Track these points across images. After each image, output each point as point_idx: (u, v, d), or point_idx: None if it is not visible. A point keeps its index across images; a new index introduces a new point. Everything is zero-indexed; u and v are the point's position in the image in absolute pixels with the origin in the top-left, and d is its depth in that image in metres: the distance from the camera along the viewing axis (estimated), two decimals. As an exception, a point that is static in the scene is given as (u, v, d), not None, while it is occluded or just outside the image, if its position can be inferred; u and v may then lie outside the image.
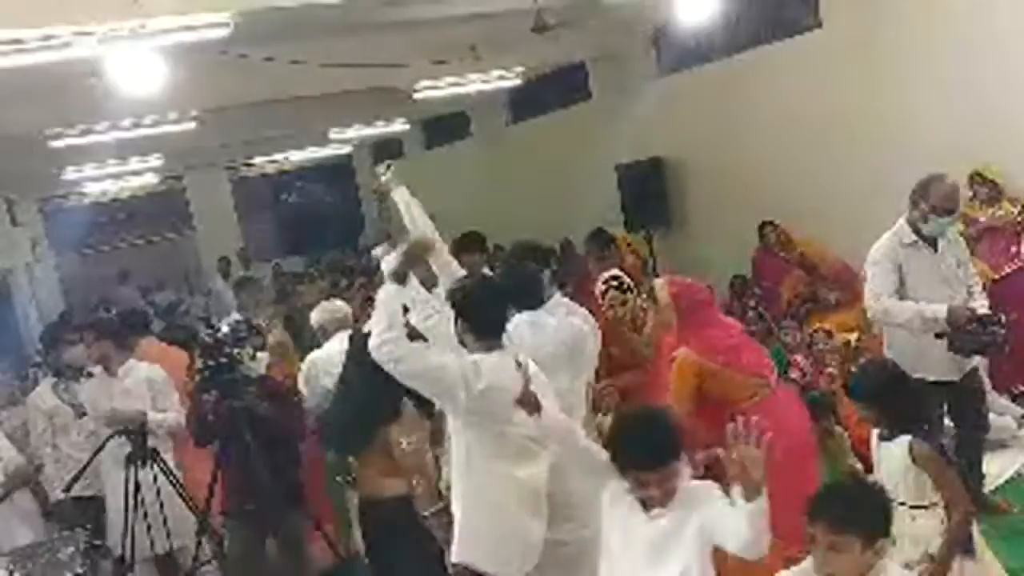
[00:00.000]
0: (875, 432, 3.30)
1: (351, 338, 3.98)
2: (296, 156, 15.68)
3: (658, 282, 4.05)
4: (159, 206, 15.69)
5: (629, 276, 4.90)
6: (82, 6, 4.46)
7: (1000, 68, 6.22)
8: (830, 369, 5.57)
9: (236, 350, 4.21)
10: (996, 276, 5.75)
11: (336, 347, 4.67)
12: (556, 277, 5.88)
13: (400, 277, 3.24)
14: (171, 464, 4.68)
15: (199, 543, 4.31)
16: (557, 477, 3.25)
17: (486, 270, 4.65)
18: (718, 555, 2.60)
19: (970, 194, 6.05)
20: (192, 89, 6.96)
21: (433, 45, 7.73)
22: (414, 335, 3.38)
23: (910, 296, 4.27)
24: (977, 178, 6.08)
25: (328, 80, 7.67)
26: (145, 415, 4.65)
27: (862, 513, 2.45)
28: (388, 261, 3.79)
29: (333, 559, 4.43)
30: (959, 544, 3.05)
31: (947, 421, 4.52)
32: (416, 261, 3.35)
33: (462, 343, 3.30)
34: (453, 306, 3.30)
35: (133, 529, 4.49)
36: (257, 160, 15.78)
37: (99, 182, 12.35)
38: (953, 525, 3.05)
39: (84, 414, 4.98)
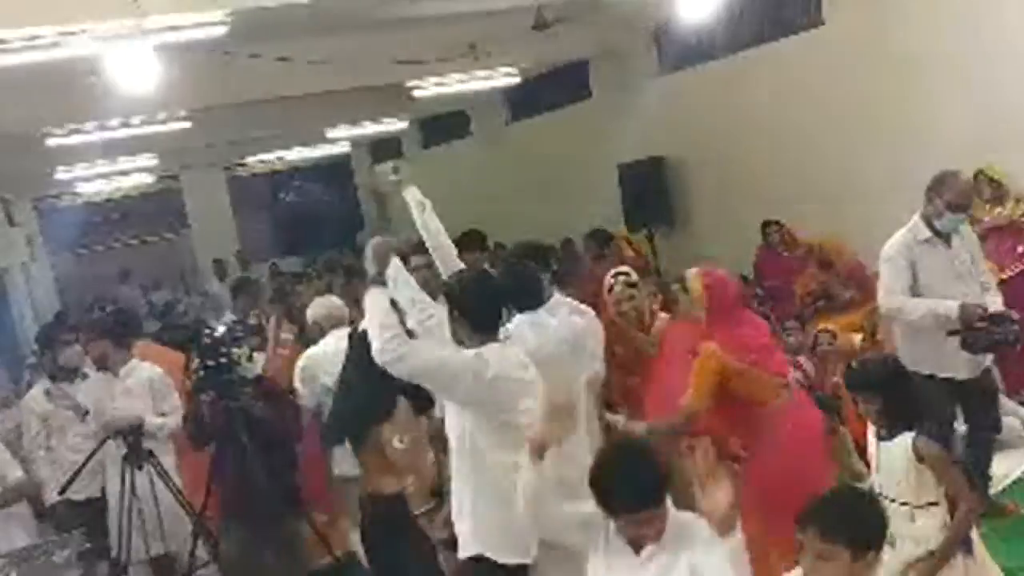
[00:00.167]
0: (871, 432, 3.26)
1: (351, 336, 3.94)
2: (293, 155, 15.64)
3: (691, 272, 3.97)
4: (155, 205, 15.63)
5: None
6: (80, 5, 4.44)
7: (1005, 65, 6.20)
8: (835, 379, 5.53)
9: (233, 351, 4.16)
10: (1003, 276, 5.72)
11: (333, 344, 4.62)
12: (557, 277, 5.86)
13: (378, 281, 3.24)
14: (169, 466, 4.63)
15: (195, 545, 4.28)
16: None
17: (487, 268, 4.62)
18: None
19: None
20: (189, 88, 6.93)
21: (432, 43, 7.70)
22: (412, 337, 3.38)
23: (924, 292, 4.26)
24: (982, 177, 6.05)
25: (326, 78, 7.64)
26: (142, 420, 4.61)
27: (853, 524, 2.40)
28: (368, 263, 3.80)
29: (329, 560, 4.39)
30: (962, 538, 3.03)
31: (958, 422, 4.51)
32: (384, 260, 3.30)
33: (456, 339, 3.27)
34: (449, 300, 3.27)
35: (129, 531, 4.45)
36: (254, 159, 15.73)
37: (95, 181, 12.31)
38: (958, 519, 3.02)
39: (87, 413, 4.94)
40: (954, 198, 4.23)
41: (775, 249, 7.79)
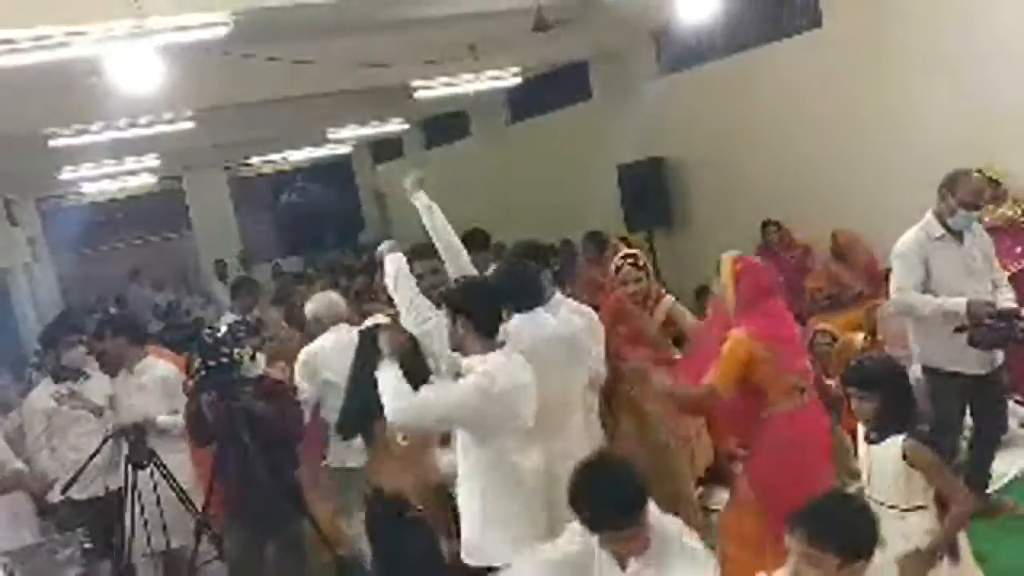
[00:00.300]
0: (861, 435, 3.25)
1: (362, 334, 3.95)
2: (295, 156, 15.68)
3: (725, 256, 3.96)
4: (158, 206, 15.67)
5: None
6: (81, 5, 4.45)
7: (1003, 66, 6.21)
8: (832, 383, 5.55)
9: (235, 350, 4.18)
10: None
11: (332, 339, 4.67)
12: (557, 276, 5.88)
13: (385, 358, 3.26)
14: (182, 462, 4.70)
15: (197, 543, 4.30)
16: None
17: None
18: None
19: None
20: (191, 89, 6.95)
21: (433, 44, 7.72)
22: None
23: (937, 289, 4.30)
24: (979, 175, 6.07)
25: (327, 79, 7.66)
26: (143, 419, 4.65)
27: (842, 531, 2.41)
28: (391, 260, 3.81)
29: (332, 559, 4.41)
30: (953, 537, 3.03)
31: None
32: (395, 349, 3.31)
33: (455, 345, 3.29)
34: (450, 306, 3.28)
35: (132, 528, 4.50)
36: (256, 160, 15.77)
37: (97, 182, 12.34)
38: (951, 518, 3.02)
39: (102, 412, 4.98)
40: (967, 196, 4.28)
41: (773, 249, 7.81)
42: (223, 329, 4.25)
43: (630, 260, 4.61)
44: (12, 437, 5.05)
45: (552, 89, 11.19)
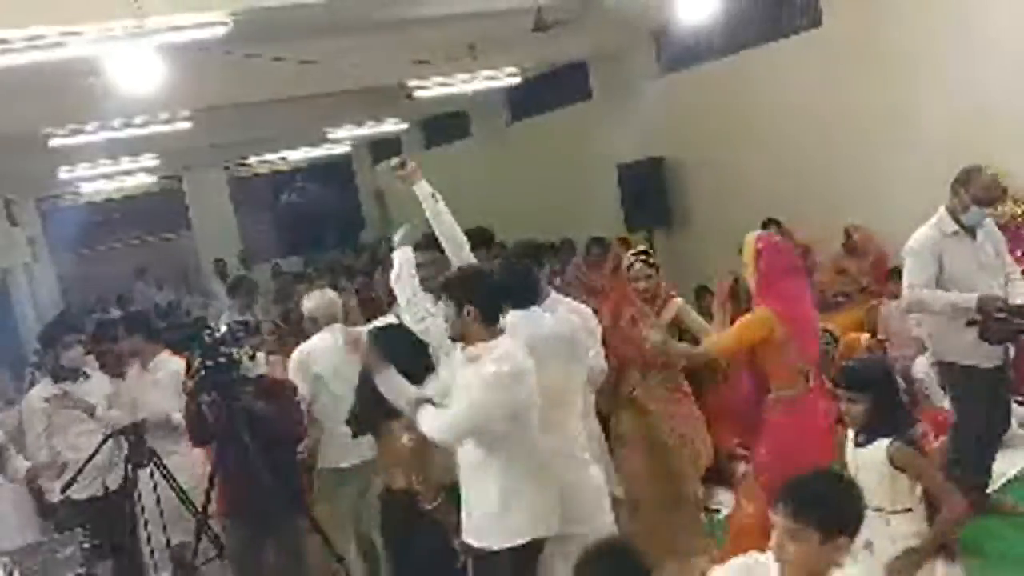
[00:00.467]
0: (849, 437, 3.25)
1: (370, 334, 3.96)
2: (295, 156, 15.69)
3: (750, 236, 3.98)
4: (157, 206, 15.67)
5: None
6: (80, 5, 4.45)
7: (1001, 66, 6.22)
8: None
9: (235, 350, 4.18)
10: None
11: (328, 339, 4.66)
12: (554, 275, 5.89)
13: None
14: (177, 463, 4.70)
15: (197, 543, 4.30)
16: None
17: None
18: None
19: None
20: (190, 88, 6.95)
21: (432, 44, 7.72)
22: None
23: (950, 285, 4.34)
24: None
25: (327, 79, 7.66)
26: (142, 419, 4.69)
27: (824, 507, 2.41)
28: (399, 255, 3.82)
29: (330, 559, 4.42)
30: (944, 538, 3.02)
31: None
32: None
33: (456, 334, 3.28)
34: (454, 294, 3.27)
35: (147, 524, 4.57)
36: (255, 160, 15.78)
37: (97, 182, 12.34)
38: (942, 519, 3.02)
39: (94, 412, 4.99)
40: (980, 192, 4.33)
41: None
42: (223, 329, 4.25)
43: (642, 257, 4.61)
44: (13, 436, 5.06)
45: (552, 89, 11.19)
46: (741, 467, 5.40)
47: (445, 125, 13.69)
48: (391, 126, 12.75)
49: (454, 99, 10.12)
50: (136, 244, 15.63)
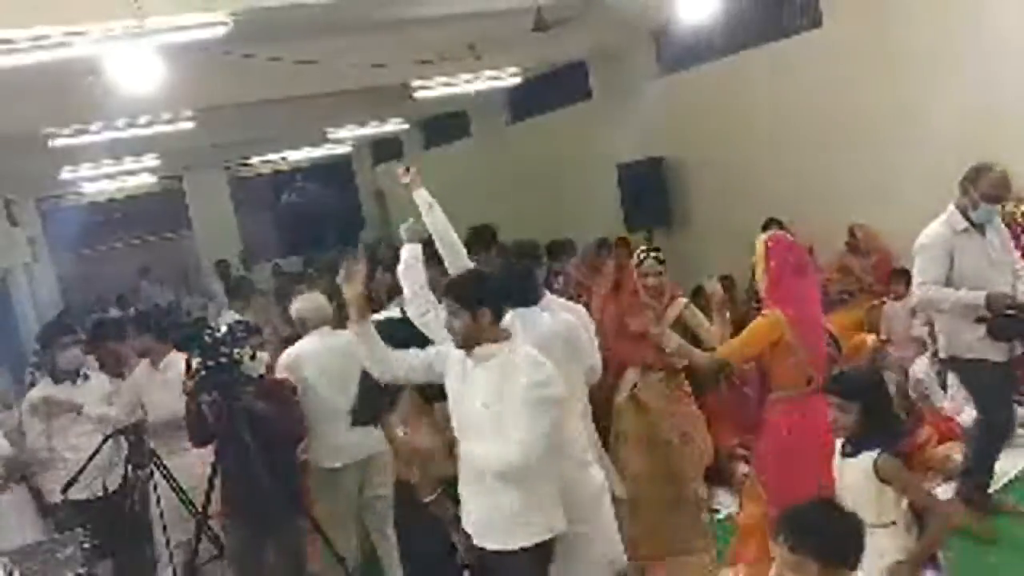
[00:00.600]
0: (837, 448, 3.24)
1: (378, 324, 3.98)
2: (295, 156, 15.70)
3: (761, 236, 4.00)
4: (158, 206, 15.68)
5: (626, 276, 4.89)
6: (80, 5, 4.45)
7: (1004, 65, 6.21)
8: None
9: (235, 350, 4.18)
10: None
11: (317, 341, 4.68)
12: (554, 275, 5.91)
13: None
14: (181, 464, 4.70)
15: (197, 543, 4.31)
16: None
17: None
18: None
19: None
20: (190, 88, 6.95)
21: (432, 44, 7.72)
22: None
23: (961, 281, 4.37)
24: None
25: (327, 79, 7.66)
26: (143, 420, 4.69)
27: (822, 538, 2.41)
28: (406, 249, 3.87)
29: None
30: (933, 550, 3.00)
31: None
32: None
33: (459, 335, 3.26)
34: (465, 298, 3.24)
35: (162, 514, 4.58)
36: (256, 160, 15.79)
37: (97, 182, 12.34)
38: (932, 530, 2.99)
39: (80, 411, 4.99)
40: (989, 189, 4.35)
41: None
42: (223, 329, 4.26)
43: (653, 253, 4.63)
44: (13, 437, 5.06)
45: (552, 89, 11.20)
46: (741, 467, 5.41)
47: (445, 125, 13.70)
48: (391, 126, 12.76)
49: (454, 99, 10.12)
50: (136, 244, 15.64)
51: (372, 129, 12.72)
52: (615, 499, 3.91)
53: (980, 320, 4.28)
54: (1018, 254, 4.66)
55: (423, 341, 3.63)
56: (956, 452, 5.11)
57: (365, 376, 3.61)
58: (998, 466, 4.78)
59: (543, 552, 3.26)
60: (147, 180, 13.69)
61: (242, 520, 4.26)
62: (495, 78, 9.06)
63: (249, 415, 4.12)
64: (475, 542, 3.31)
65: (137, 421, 4.89)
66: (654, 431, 4.47)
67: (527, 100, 11.64)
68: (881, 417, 3.14)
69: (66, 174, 10.93)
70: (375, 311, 4.31)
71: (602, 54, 9.96)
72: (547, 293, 4.15)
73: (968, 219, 4.41)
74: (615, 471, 4.26)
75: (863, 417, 3.10)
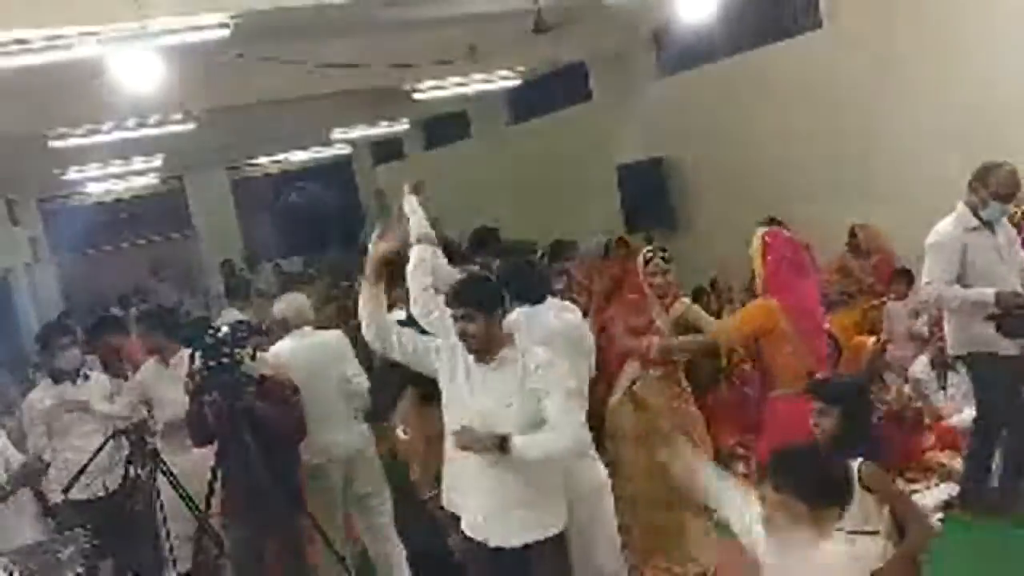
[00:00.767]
0: None
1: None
2: (296, 156, 15.70)
3: (759, 230, 4.02)
4: (159, 206, 15.69)
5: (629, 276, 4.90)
6: (83, 6, 4.46)
7: (1005, 65, 6.22)
8: None
9: (236, 350, 4.19)
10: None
11: (298, 342, 4.71)
12: (557, 275, 5.93)
13: None
14: (184, 464, 4.69)
15: (198, 543, 4.31)
16: None
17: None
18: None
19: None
20: (192, 89, 6.97)
21: (433, 45, 7.73)
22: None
23: (973, 278, 4.40)
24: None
25: (328, 80, 7.67)
26: (144, 419, 4.70)
27: (806, 479, 2.42)
28: (416, 250, 3.87)
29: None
30: (910, 562, 2.98)
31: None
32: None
33: (482, 346, 3.25)
34: (480, 302, 3.24)
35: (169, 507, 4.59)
36: (257, 160, 15.79)
37: (99, 182, 12.36)
38: (909, 540, 2.98)
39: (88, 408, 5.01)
40: (999, 188, 4.38)
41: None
42: (224, 329, 4.26)
43: (660, 254, 4.65)
44: (14, 437, 5.06)
45: (552, 90, 11.21)
46: (741, 467, 5.42)
47: (446, 126, 13.71)
48: (392, 127, 12.76)
49: (455, 100, 10.13)
50: (138, 244, 15.64)
51: (373, 130, 12.73)
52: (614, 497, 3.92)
53: (990, 318, 4.31)
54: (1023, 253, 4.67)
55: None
56: (956, 460, 5.11)
57: (379, 372, 3.63)
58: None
59: (565, 540, 3.29)
60: (148, 181, 13.70)
61: (242, 520, 4.26)
62: (496, 79, 9.07)
63: (250, 415, 4.12)
64: (485, 541, 3.26)
65: (138, 421, 4.90)
66: (652, 428, 4.48)
67: (527, 101, 11.65)
68: (860, 423, 3.14)
69: (68, 174, 10.94)
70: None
71: (602, 55, 9.97)
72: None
73: (978, 217, 4.44)
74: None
75: (842, 422, 3.10)
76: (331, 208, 16.16)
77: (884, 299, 6.79)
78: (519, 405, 3.16)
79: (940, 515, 4.74)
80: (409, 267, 3.90)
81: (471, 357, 3.26)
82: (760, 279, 3.91)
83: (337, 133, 12.72)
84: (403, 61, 7.74)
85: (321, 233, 15.46)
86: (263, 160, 15.88)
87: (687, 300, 4.63)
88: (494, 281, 3.52)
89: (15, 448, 4.80)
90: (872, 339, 6.09)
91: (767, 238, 3.91)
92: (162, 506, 4.62)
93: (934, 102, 6.71)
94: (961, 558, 4.29)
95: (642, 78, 9.79)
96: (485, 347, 3.22)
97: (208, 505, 4.29)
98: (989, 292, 4.30)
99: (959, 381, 5.67)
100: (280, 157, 15.77)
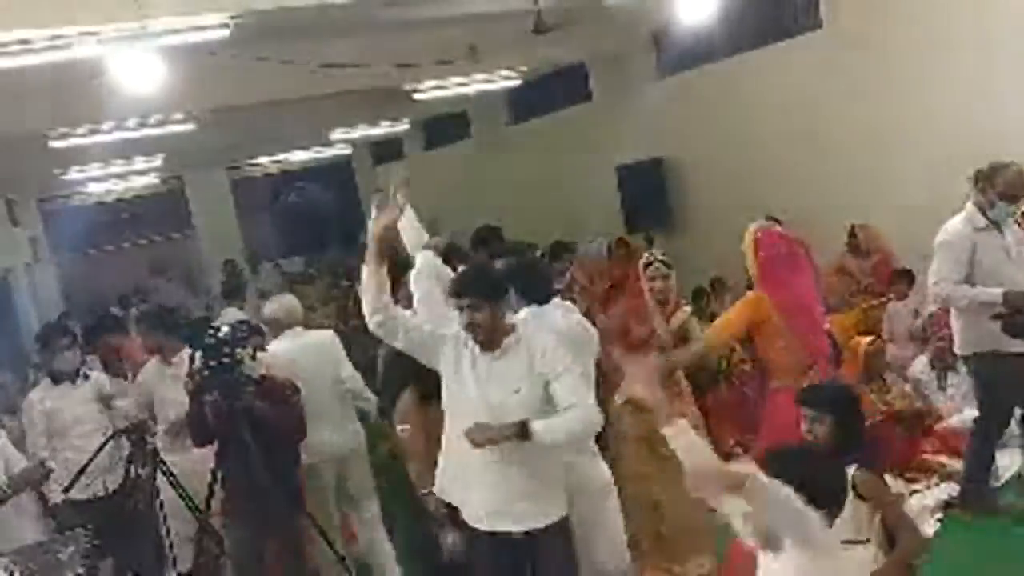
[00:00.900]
0: None
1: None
2: (296, 156, 15.71)
3: (751, 226, 4.01)
4: (159, 206, 15.70)
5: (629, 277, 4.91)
6: (84, 7, 4.47)
7: (1004, 66, 6.23)
8: None
9: (237, 350, 4.20)
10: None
11: (289, 342, 4.73)
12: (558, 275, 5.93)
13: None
14: (186, 465, 4.70)
15: (200, 545, 4.32)
16: None
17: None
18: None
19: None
20: (192, 89, 6.97)
21: (433, 45, 7.73)
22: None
23: (981, 277, 4.42)
24: (980, 175, 6.08)
25: (328, 80, 7.67)
26: (145, 419, 4.70)
27: (798, 480, 2.38)
28: (420, 256, 3.87)
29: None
30: (906, 565, 2.98)
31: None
32: None
33: (488, 336, 3.25)
34: (491, 292, 3.25)
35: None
36: (257, 160, 15.80)
37: (99, 182, 12.36)
38: (901, 548, 2.97)
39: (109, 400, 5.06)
40: (1007, 188, 4.42)
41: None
42: (224, 329, 4.26)
43: (660, 259, 4.66)
44: (13, 436, 5.07)
45: (552, 90, 11.22)
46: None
47: (446, 126, 13.71)
48: (392, 127, 12.77)
49: (455, 100, 10.14)
50: (138, 245, 15.65)
51: (373, 130, 12.74)
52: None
53: (997, 317, 4.33)
54: None
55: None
56: (956, 461, 5.11)
57: (385, 370, 3.64)
58: (1004, 461, 4.82)
59: (569, 526, 3.31)
60: (149, 181, 13.70)
61: (242, 520, 4.27)
62: (495, 79, 9.08)
63: (250, 415, 4.13)
64: (489, 529, 3.26)
65: (138, 421, 4.90)
66: (652, 429, 4.47)
67: (527, 101, 11.66)
68: (853, 429, 3.13)
69: (68, 174, 10.95)
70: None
71: (602, 56, 9.98)
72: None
73: (987, 217, 4.47)
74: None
75: (835, 428, 3.10)
76: (331, 208, 16.16)
77: (884, 299, 6.79)
78: (527, 391, 3.17)
79: (940, 515, 4.75)
80: (412, 273, 3.90)
81: (477, 348, 3.25)
82: (753, 275, 3.92)
83: (337, 133, 12.72)
84: (403, 61, 7.74)
85: (321, 233, 15.47)
86: (263, 160, 15.88)
87: (688, 309, 4.63)
88: (498, 271, 3.52)
89: (15, 448, 4.82)
90: (867, 339, 6.10)
91: (758, 234, 3.92)
92: (162, 506, 4.62)
93: (934, 103, 6.71)
94: (961, 558, 4.30)
95: (642, 78, 9.79)
96: (491, 336, 3.22)
97: (208, 505, 4.30)
98: (997, 291, 4.32)
99: (959, 381, 5.68)
100: (280, 157, 15.78)
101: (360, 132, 12.75)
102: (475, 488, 3.31)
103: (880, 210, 7.15)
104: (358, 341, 5.86)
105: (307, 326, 5.16)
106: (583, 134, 10.56)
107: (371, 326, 3.33)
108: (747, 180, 8.48)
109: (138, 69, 5.07)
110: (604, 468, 3.76)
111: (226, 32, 4.88)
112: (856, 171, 7.40)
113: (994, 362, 4.50)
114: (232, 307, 7.55)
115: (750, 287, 4.20)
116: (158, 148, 10.52)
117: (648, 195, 9.50)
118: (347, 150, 15.79)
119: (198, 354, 4.18)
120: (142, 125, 8.10)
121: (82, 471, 4.62)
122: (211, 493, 4.25)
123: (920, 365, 6.00)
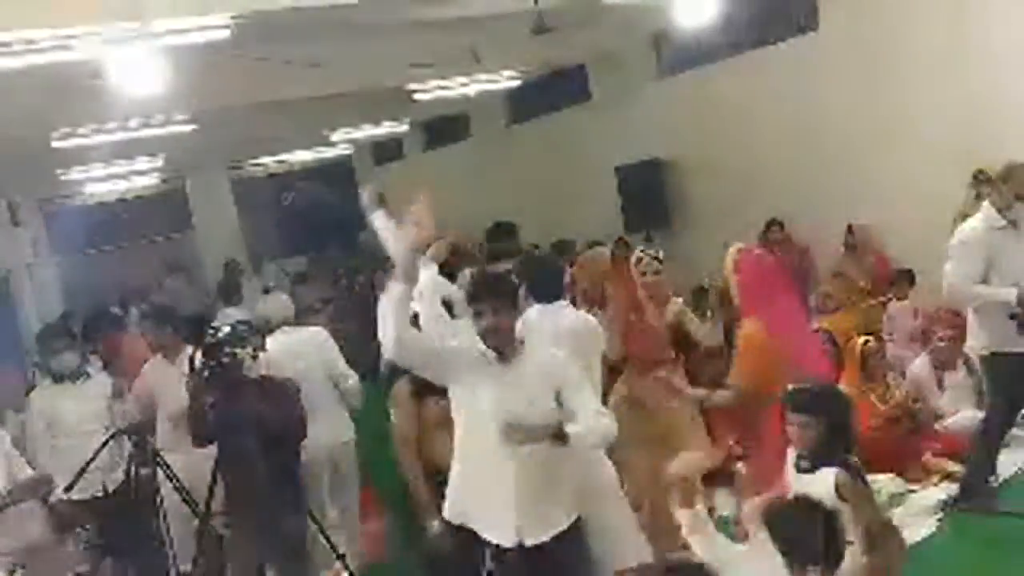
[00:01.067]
0: (790, 461, 3.20)
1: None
2: (296, 157, 15.72)
3: (732, 248, 4.02)
4: (160, 207, 15.70)
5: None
6: (84, 7, 4.48)
7: (1001, 66, 6.24)
8: None
9: (237, 350, 4.20)
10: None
11: (281, 340, 4.77)
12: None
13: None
14: (186, 465, 4.70)
15: (200, 545, 4.33)
16: None
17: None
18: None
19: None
20: (193, 90, 6.97)
21: (433, 47, 7.74)
22: None
23: (999, 276, 4.42)
24: (980, 176, 6.10)
25: (329, 81, 7.69)
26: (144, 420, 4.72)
27: (789, 538, 2.46)
28: (423, 273, 3.76)
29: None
30: (885, 571, 2.97)
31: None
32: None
33: (506, 339, 3.23)
34: (507, 296, 3.24)
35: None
36: (258, 160, 15.81)
37: (100, 183, 12.36)
38: (883, 553, 2.95)
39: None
40: (1021, 188, 4.41)
41: (772, 248, 7.83)
42: (225, 329, 4.27)
43: (651, 252, 4.69)
44: (16, 434, 5.07)
45: (552, 91, 11.21)
46: (740, 467, 5.42)
47: (445, 127, 13.72)
48: (392, 128, 12.78)
49: (455, 101, 10.15)
50: (139, 245, 15.65)
51: (373, 131, 12.74)
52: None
53: (1012, 317, 4.34)
54: None
55: None
56: (956, 463, 5.11)
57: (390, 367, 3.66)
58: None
59: (582, 524, 3.31)
60: (150, 181, 13.70)
61: (242, 520, 4.27)
62: (495, 80, 9.09)
63: (250, 416, 4.13)
64: (518, 543, 3.17)
65: (139, 421, 4.91)
66: (651, 428, 4.49)
67: (527, 102, 11.66)
68: (844, 432, 3.12)
69: (69, 175, 10.95)
70: None
71: (602, 57, 9.99)
72: None
73: (1004, 217, 4.47)
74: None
75: (826, 431, 3.08)
76: (331, 208, 16.16)
77: (884, 299, 6.79)
78: (541, 400, 3.13)
79: (940, 515, 4.76)
80: (415, 291, 3.88)
81: (494, 357, 3.19)
82: (734, 297, 3.93)
83: (338, 134, 12.73)
84: (403, 62, 7.75)
85: (321, 233, 15.47)
86: (264, 160, 15.89)
87: (679, 301, 4.66)
88: (512, 279, 3.54)
89: (15, 447, 4.82)
90: (863, 339, 6.11)
91: (738, 257, 3.93)
92: (162, 505, 4.63)
93: (933, 103, 6.72)
94: (961, 558, 4.31)
95: (642, 79, 9.80)
96: (510, 342, 3.19)
97: (208, 505, 4.30)
98: (1012, 291, 4.32)
99: (959, 381, 5.68)
100: (281, 157, 15.78)
101: (360, 133, 12.76)
102: (498, 499, 3.19)
103: (880, 210, 7.16)
104: (358, 341, 5.88)
105: (307, 326, 5.18)
106: (582, 135, 10.56)
107: (391, 351, 3.16)
108: (747, 180, 8.49)
109: (140, 69, 5.08)
110: (610, 466, 3.77)
111: (227, 32, 4.90)
112: (856, 171, 7.41)
113: (1005, 364, 4.51)
114: (230, 307, 7.54)
115: (727, 302, 4.20)
116: (159, 148, 10.52)
117: (647, 195, 9.51)
118: (348, 150, 15.79)
119: (198, 354, 4.19)
120: (144, 125, 8.11)
121: (83, 471, 4.62)
122: (211, 493, 4.26)
123: (920, 365, 6.00)
